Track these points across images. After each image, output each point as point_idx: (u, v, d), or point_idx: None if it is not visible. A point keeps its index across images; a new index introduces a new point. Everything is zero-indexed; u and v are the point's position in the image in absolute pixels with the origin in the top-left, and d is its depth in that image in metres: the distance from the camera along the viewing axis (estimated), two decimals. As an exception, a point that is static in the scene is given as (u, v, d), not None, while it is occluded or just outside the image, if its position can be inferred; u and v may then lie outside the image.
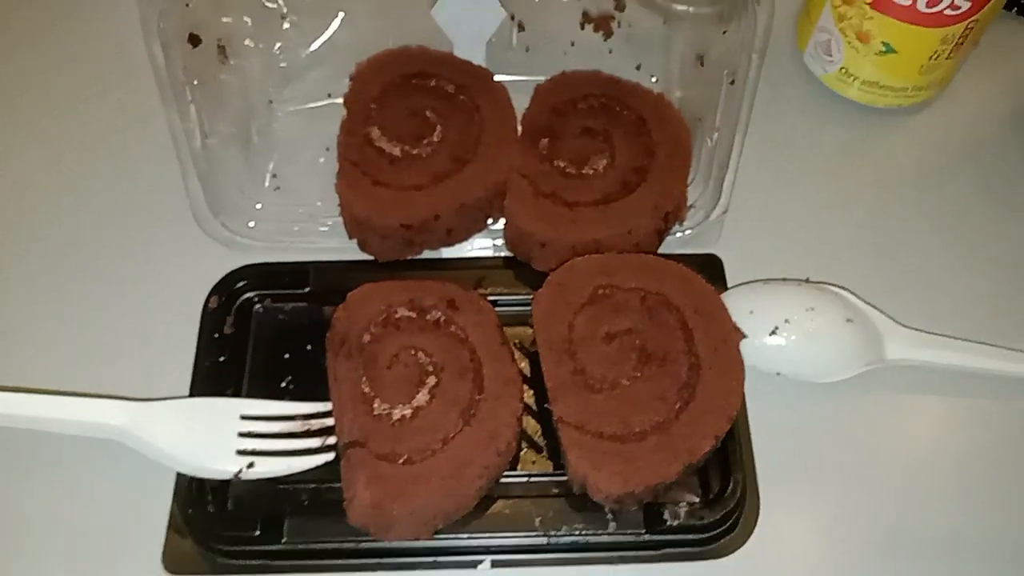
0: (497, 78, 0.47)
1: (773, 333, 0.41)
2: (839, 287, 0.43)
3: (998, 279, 0.46)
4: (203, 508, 0.38)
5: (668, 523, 0.38)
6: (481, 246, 0.46)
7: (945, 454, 0.42)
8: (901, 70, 0.48)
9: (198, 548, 0.38)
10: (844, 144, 0.51)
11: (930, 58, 0.47)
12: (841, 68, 0.50)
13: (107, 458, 0.39)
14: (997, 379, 0.42)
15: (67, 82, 0.52)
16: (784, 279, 0.44)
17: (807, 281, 0.44)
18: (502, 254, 0.46)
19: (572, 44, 0.50)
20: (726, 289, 0.44)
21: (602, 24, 0.50)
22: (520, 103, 0.47)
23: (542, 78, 0.48)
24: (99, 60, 0.53)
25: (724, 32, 0.43)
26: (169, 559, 0.38)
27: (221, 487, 0.39)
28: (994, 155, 0.50)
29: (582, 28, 0.50)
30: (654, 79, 0.50)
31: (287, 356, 0.43)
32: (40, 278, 0.45)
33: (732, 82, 0.42)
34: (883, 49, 0.47)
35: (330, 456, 0.39)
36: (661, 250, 0.45)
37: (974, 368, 0.42)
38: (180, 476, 0.39)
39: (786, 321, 0.41)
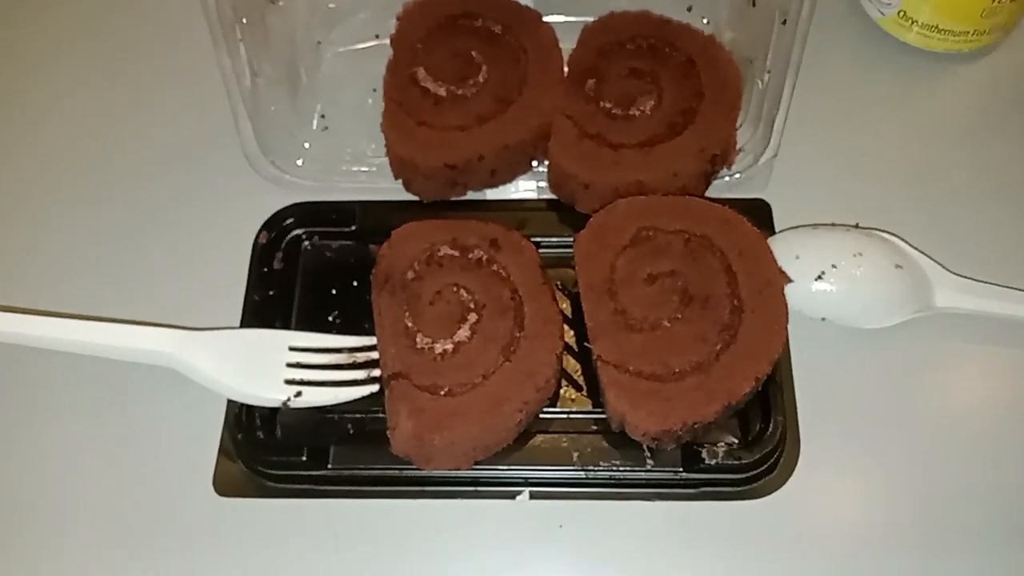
0: (545, 19, 0.47)
1: (819, 278, 0.40)
2: (889, 233, 0.42)
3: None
4: (252, 434, 0.39)
5: (706, 462, 0.38)
6: (525, 188, 0.46)
7: (991, 405, 0.41)
8: (962, 13, 0.47)
9: (247, 472, 0.39)
10: (899, 90, 0.49)
11: (993, 0, 0.45)
12: (899, 11, 0.48)
13: (162, 386, 0.41)
14: (1049, 330, 0.41)
15: (119, 26, 0.53)
16: (833, 224, 0.43)
17: (856, 227, 0.43)
18: (546, 196, 0.46)
19: (621, -15, 0.49)
20: (774, 234, 0.43)
21: (653, -36, 0.49)
22: (568, 45, 0.46)
23: (590, 19, 0.47)
24: (148, 3, 0.54)
25: (777, -31, 0.42)
26: (219, 482, 0.39)
27: (270, 415, 0.40)
28: (1056, 104, 0.49)
29: (632, -32, 0.49)
30: (705, 20, 0.49)
31: (334, 291, 0.43)
32: (99, 214, 0.47)
33: (784, 22, 0.41)
34: (944, -10, 0.46)
35: (375, 387, 0.40)
36: (708, 194, 0.44)
37: (1025, 318, 0.41)
38: (231, 404, 0.40)
39: (833, 266, 0.40)
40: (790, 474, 0.39)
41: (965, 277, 0.42)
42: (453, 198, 0.46)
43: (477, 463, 0.38)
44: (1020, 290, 0.41)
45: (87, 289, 0.44)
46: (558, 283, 0.43)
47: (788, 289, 0.39)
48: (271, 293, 0.43)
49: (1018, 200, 0.46)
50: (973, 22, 0.47)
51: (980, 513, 0.38)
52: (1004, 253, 0.44)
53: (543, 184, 0.46)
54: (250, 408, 0.40)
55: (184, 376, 0.39)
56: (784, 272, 0.40)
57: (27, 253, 0.46)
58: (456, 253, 0.41)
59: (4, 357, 0.41)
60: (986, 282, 0.42)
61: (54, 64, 0.52)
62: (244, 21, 0.43)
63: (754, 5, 0.45)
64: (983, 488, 0.39)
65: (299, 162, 0.47)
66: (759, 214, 0.44)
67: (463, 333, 0.39)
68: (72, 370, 0.41)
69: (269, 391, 0.39)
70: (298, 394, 0.39)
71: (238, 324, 0.42)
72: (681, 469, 0.38)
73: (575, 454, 0.39)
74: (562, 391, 0.41)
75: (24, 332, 0.38)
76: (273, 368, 0.40)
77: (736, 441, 0.39)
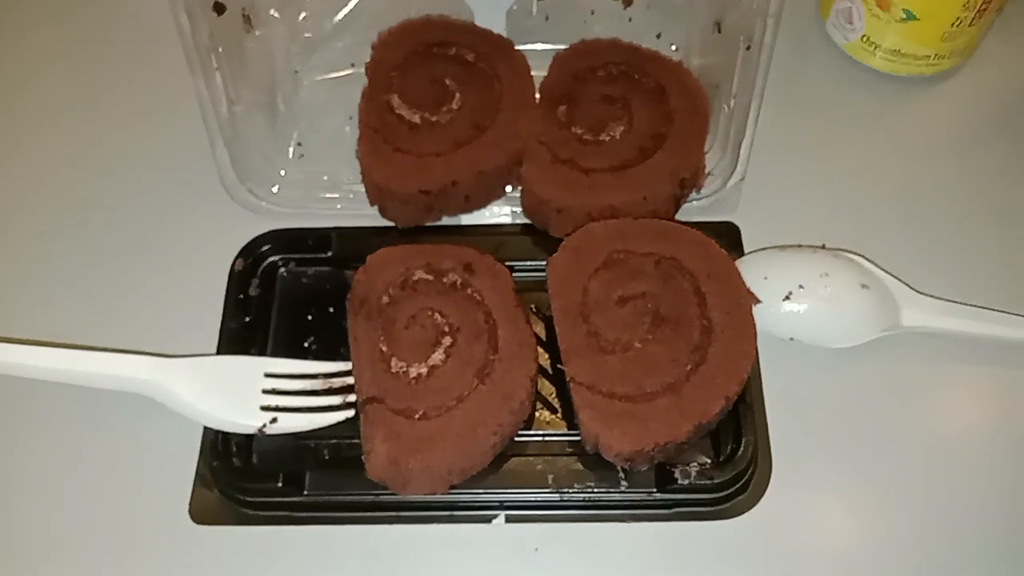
0: (517, 47, 0.48)
1: (787, 298, 0.41)
2: (855, 253, 0.43)
3: (1014, 248, 0.46)
4: (228, 462, 0.39)
5: (679, 483, 0.38)
6: (500, 213, 0.47)
7: (959, 422, 0.42)
8: (923, 37, 0.48)
9: (224, 500, 0.39)
10: (865, 113, 0.51)
11: (952, 25, 0.47)
12: (863, 36, 0.50)
13: (137, 413, 0.41)
14: (1013, 347, 0.42)
15: (95, 53, 0.54)
16: (799, 245, 0.44)
17: (823, 248, 0.44)
18: (520, 221, 0.46)
19: (592, 12, 0.50)
20: (742, 256, 0.44)
21: (622, -8, 0.50)
22: (540, 71, 0.47)
23: (562, 46, 0.48)
24: (126, 30, 0.54)
25: (741, -1, 0.43)
26: (196, 510, 0.39)
27: (246, 442, 0.40)
28: (1019, 124, 0.50)
29: (602, -4, 0.50)
30: (674, 47, 0.50)
31: (310, 317, 0.44)
32: (74, 241, 0.47)
33: (748, 48, 0.42)
34: (904, 16, 0.47)
35: (350, 413, 0.40)
36: (679, 217, 0.45)
37: (990, 336, 0.42)
38: (207, 431, 0.40)
39: (800, 287, 0.41)
40: (763, 493, 0.39)
41: (930, 296, 0.43)
42: (429, 223, 0.46)
43: (453, 487, 0.38)
44: (983, 308, 0.42)
45: (63, 316, 0.44)
46: (532, 307, 0.43)
47: (757, 310, 0.40)
48: (247, 319, 0.43)
49: (980, 219, 0.47)
50: (934, 46, 0.48)
51: (952, 529, 0.39)
52: (968, 272, 0.45)
53: (517, 209, 0.46)
54: (226, 435, 0.40)
55: (159, 403, 0.39)
56: (753, 293, 0.40)
57: (1, 280, 0.46)
58: (431, 277, 0.41)
59: (-21, 386, 0.41)
60: (951, 300, 0.43)
61: (30, 92, 0.53)
62: (220, 50, 0.44)
63: (719, 31, 0.46)
64: (954, 504, 0.39)
65: (275, 189, 0.47)
66: (728, 236, 0.45)
67: (438, 357, 0.39)
68: (47, 398, 0.41)
69: (245, 418, 0.39)
70: (274, 420, 0.39)
71: (215, 350, 0.43)
72: (655, 490, 0.39)
73: (550, 476, 0.39)
74: (537, 414, 0.41)
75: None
76: (249, 394, 0.40)
77: (708, 461, 0.39)
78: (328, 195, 0.47)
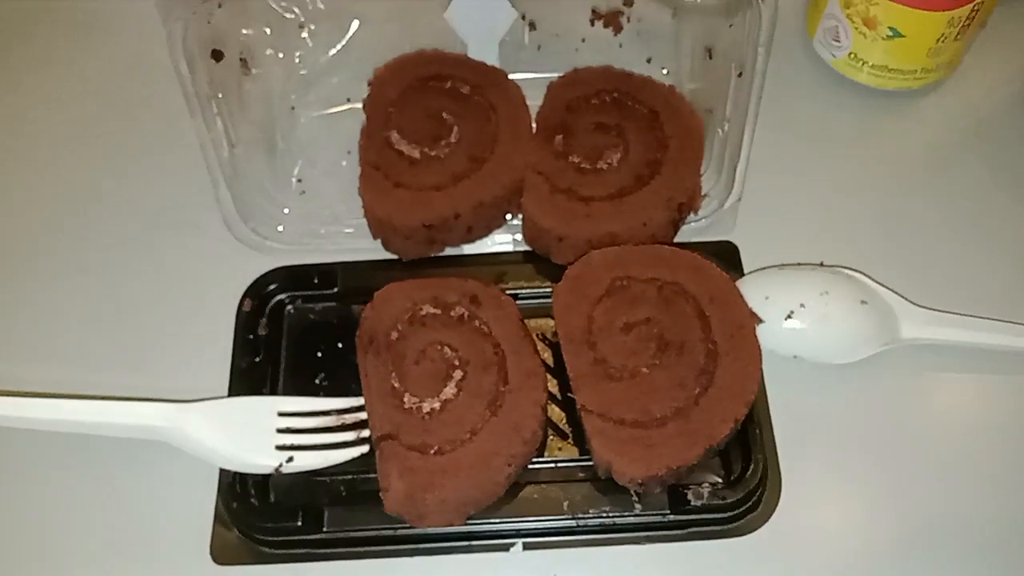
0: (511, 77, 0.49)
1: (789, 317, 0.42)
2: (853, 270, 0.44)
3: (1010, 259, 0.47)
4: (247, 502, 0.40)
5: (692, 503, 0.39)
6: (501, 241, 0.47)
7: (962, 431, 0.42)
8: (909, 54, 0.49)
9: (243, 539, 0.40)
10: (855, 128, 0.52)
11: (938, 41, 0.48)
12: (850, 53, 0.50)
13: (153, 459, 0.41)
14: (1012, 355, 0.43)
15: (96, 101, 0.54)
16: (799, 264, 0.45)
17: (821, 265, 0.45)
18: (522, 248, 0.47)
19: (583, 40, 0.51)
20: (742, 275, 0.45)
21: (611, 20, 0.51)
22: (534, 101, 0.48)
23: (555, 75, 0.49)
24: (126, 78, 0.54)
25: (730, 26, 0.44)
26: (217, 551, 0.40)
27: (263, 481, 0.41)
28: (1004, 135, 0.51)
29: (592, 24, 0.51)
30: (665, 71, 0.51)
31: (319, 354, 0.44)
32: (81, 288, 0.47)
33: (740, 75, 0.43)
34: (890, 34, 0.48)
35: (365, 448, 0.40)
36: (678, 238, 0.46)
37: (989, 345, 0.43)
38: (223, 472, 0.41)
39: (801, 305, 0.42)
40: (774, 509, 0.40)
41: (929, 308, 0.43)
42: (432, 255, 0.47)
43: (470, 518, 0.39)
44: (981, 318, 0.43)
45: (72, 362, 0.45)
46: (539, 333, 0.44)
47: (759, 329, 0.41)
48: (257, 359, 0.44)
49: (973, 230, 0.48)
50: (920, 61, 0.49)
51: (962, 539, 0.39)
52: (964, 282, 0.46)
53: (518, 237, 0.47)
54: (243, 475, 0.40)
55: (175, 447, 0.40)
56: (755, 313, 0.41)
57: (6, 327, 0.46)
58: (438, 311, 0.42)
59: (-4, 437, 0.42)
60: (949, 312, 0.43)
61: (32, 134, 0.53)
62: (220, 95, 0.44)
63: (711, 57, 0.47)
64: (961, 512, 0.40)
65: (279, 227, 0.48)
66: (727, 256, 0.46)
67: (449, 391, 0.40)
68: (61, 448, 0.42)
69: (261, 458, 0.40)
70: (290, 459, 0.40)
71: (226, 391, 0.43)
72: (668, 511, 0.39)
73: (565, 503, 0.40)
74: (548, 440, 0.42)
75: (16, 415, 0.39)
76: (264, 435, 0.40)
77: (720, 481, 0.40)
78: (331, 230, 0.48)
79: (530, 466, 0.40)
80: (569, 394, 0.40)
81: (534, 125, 0.47)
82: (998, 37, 0.53)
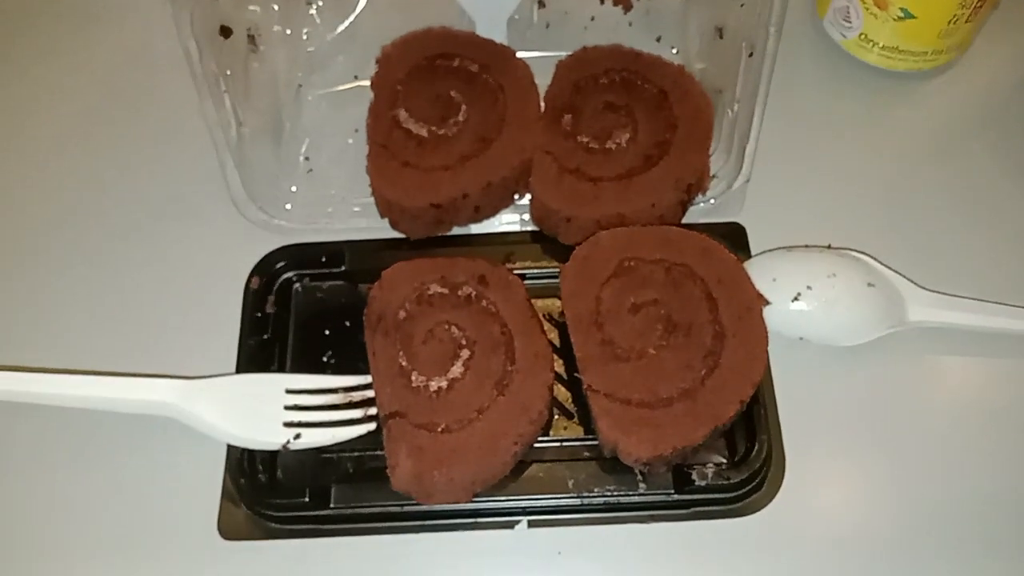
0: (519, 55, 0.48)
1: (796, 299, 0.42)
2: (860, 252, 0.44)
3: (1018, 242, 0.47)
4: (254, 478, 0.40)
5: (696, 483, 0.39)
6: (509, 221, 0.47)
7: (967, 413, 0.43)
8: (920, 35, 0.49)
9: (251, 515, 0.40)
10: (864, 110, 0.51)
11: (949, 22, 0.47)
12: (860, 34, 0.50)
13: (162, 435, 0.42)
14: (1018, 339, 0.43)
15: (104, 83, 0.54)
16: (806, 246, 0.45)
17: (829, 247, 0.45)
18: (529, 228, 0.47)
19: (592, 19, 0.51)
20: (750, 257, 0.45)
21: (621, -2, 0.50)
22: (543, 80, 0.48)
23: (564, 54, 0.48)
24: (130, 67, 0.54)
25: (741, 5, 0.43)
26: (224, 526, 0.40)
27: (270, 458, 0.41)
28: (1015, 117, 0.51)
29: (601, 2, 0.51)
30: (674, 51, 0.51)
31: (327, 332, 0.44)
32: (92, 267, 0.47)
33: (751, 55, 0.42)
34: (901, 15, 0.47)
35: (372, 426, 0.41)
36: (686, 220, 0.46)
37: (995, 328, 0.43)
38: (231, 449, 0.41)
39: (808, 287, 0.42)
40: (777, 490, 0.40)
41: (935, 291, 0.43)
42: (439, 234, 0.47)
43: (476, 495, 0.39)
44: (987, 301, 0.43)
45: (81, 341, 0.45)
46: (546, 314, 0.44)
47: (766, 311, 0.41)
48: (265, 337, 0.44)
49: (981, 213, 0.47)
50: (931, 42, 0.49)
51: (966, 522, 0.40)
52: (971, 265, 0.46)
53: (526, 216, 0.47)
54: (251, 452, 0.41)
55: (183, 424, 0.40)
56: (762, 295, 0.41)
57: (18, 306, 0.46)
58: (446, 291, 0.42)
59: (4, 413, 0.42)
60: (955, 295, 0.43)
61: (40, 119, 0.53)
62: (228, 73, 0.44)
63: (721, 37, 0.47)
64: (965, 493, 0.40)
65: (287, 206, 0.48)
66: (735, 237, 0.46)
67: (457, 370, 0.40)
68: (70, 424, 0.42)
69: (269, 435, 0.40)
70: (297, 436, 0.40)
71: (234, 369, 0.43)
72: (673, 491, 0.40)
73: (570, 481, 0.40)
74: (554, 419, 0.42)
75: (24, 390, 0.39)
76: (272, 412, 0.40)
77: (724, 461, 0.40)
78: (338, 209, 0.48)
79: (536, 445, 0.41)
80: (575, 374, 0.40)
81: (542, 104, 0.47)
82: (1010, 18, 0.52)
